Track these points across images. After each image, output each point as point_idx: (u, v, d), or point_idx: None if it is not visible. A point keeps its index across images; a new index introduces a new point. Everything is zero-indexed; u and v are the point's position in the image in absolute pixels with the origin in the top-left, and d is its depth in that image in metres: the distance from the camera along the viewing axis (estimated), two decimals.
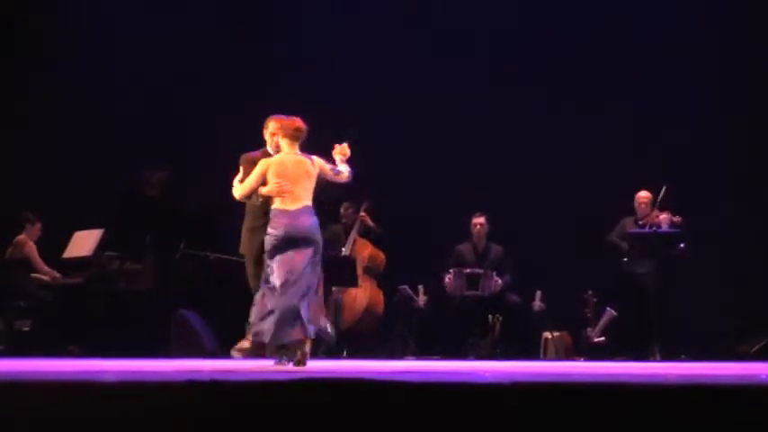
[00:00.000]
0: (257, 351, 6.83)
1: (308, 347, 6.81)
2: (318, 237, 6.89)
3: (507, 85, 11.12)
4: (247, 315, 6.83)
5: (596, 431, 3.70)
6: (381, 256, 10.40)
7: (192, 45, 11.15)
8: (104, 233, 10.01)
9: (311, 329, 6.79)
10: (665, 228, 9.86)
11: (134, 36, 11.23)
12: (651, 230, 9.86)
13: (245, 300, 7.00)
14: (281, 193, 6.77)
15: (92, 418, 3.70)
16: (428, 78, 11.21)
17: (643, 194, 10.17)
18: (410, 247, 10.44)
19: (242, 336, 6.86)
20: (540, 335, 10.34)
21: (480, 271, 10.24)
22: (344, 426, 3.69)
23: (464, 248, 10.52)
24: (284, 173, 6.80)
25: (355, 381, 3.99)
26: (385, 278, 10.45)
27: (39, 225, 10.07)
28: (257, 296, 6.81)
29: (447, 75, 11.25)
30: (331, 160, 7.08)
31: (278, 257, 6.73)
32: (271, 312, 6.65)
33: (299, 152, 6.90)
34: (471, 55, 11.39)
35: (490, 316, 10.24)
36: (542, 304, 10.36)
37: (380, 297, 10.40)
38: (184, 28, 11.18)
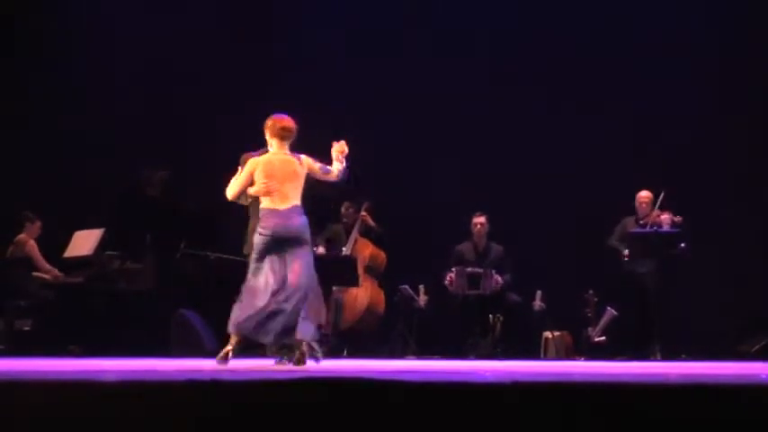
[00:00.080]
0: (241, 346, 6.80)
1: (305, 347, 6.80)
2: (308, 236, 6.88)
3: (507, 85, 11.12)
4: None
5: (597, 431, 3.70)
6: (382, 255, 10.41)
7: (192, 45, 11.15)
8: (105, 233, 10.02)
9: (313, 329, 6.79)
10: (666, 227, 9.86)
11: (134, 36, 11.23)
12: (652, 230, 9.86)
13: None
14: (268, 193, 6.77)
15: (92, 417, 3.70)
16: (428, 78, 11.21)
17: (644, 194, 10.16)
18: (411, 247, 10.44)
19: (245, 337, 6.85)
20: (541, 334, 10.34)
21: (481, 270, 10.24)
22: (345, 425, 3.69)
23: (464, 248, 10.52)
24: (272, 172, 6.80)
25: (356, 380, 3.99)
26: (386, 278, 10.45)
27: (39, 223, 10.07)
28: (242, 292, 6.80)
29: (447, 75, 11.25)
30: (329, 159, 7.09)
31: (269, 258, 6.71)
32: (274, 313, 6.64)
33: (287, 151, 6.90)
34: (471, 55, 11.39)
35: (491, 316, 10.23)
36: (543, 304, 10.36)
37: (381, 297, 10.41)
38: (184, 28, 11.18)
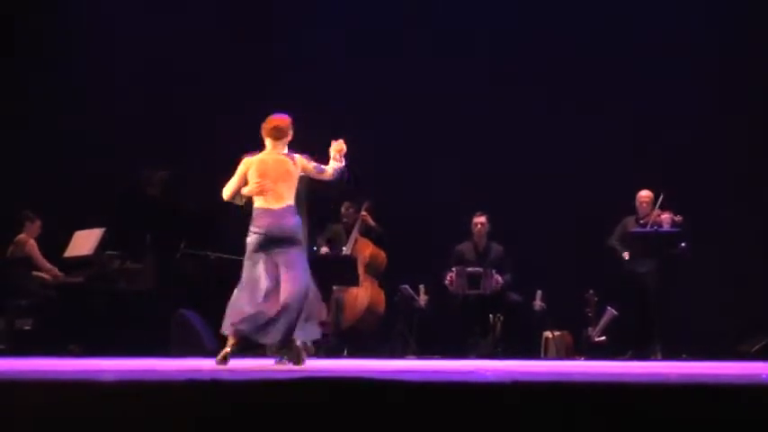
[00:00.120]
0: (239, 346, 6.80)
1: (305, 346, 6.81)
2: (301, 236, 6.88)
3: (507, 85, 11.12)
4: None
5: (597, 430, 3.70)
6: (382, 255, 10.41)
7: (192, 45, 11.15)
8: (105, 232, 10.02)
9: (314, 329, 6.81)
10: (666, 227, 9.85)
11: (134, 36, 11.23)
12: (652, 230, 9.86)
13: None
14: (262, 192, 6.77)
15: (92, 417, 3.70)
16: (428, 78, 11.20)
17: (644, 194, 10.15)
18: (411, 247, 10.44)
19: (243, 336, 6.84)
20: (541, 334, 10.34)
21: (481, 270, 10.24)
22: (345, 425, 3.69)
23: (465, 248, 10.52)
24: (265, 172, 6.80)
25: (356, 380, 3.98)
26: (386, 277, 10.45)
27: (39, 223, 10.07)
28: (236, 293, 6.80)
29: (447, 75, 11.25)
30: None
31: (262, 258, 6.71)
32: (276, 316, 6.64)
33: (281, 151, 6.90)
34: (471, 55, 11.39)
35: (491, 315, 10.23)
36: (543, 304, 10.36)
37: (381, 296, 10.41)
38: (184, 28, 11.18)
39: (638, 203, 10.20)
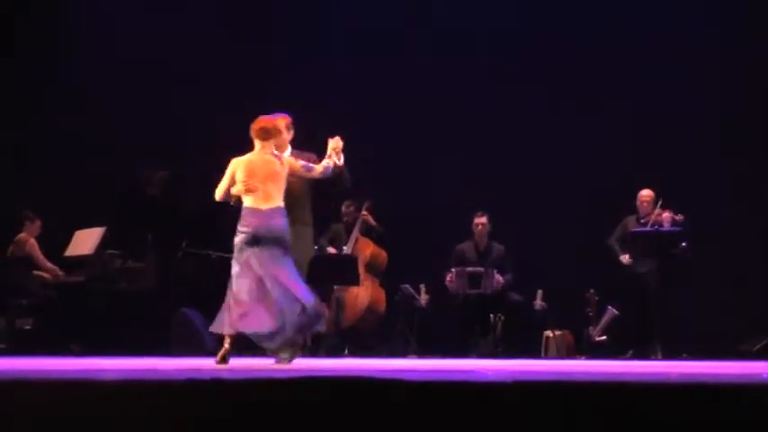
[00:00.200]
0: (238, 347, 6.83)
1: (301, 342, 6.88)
2: (288, 238, 6.85)
3: (507, 85, 11.13)
4: None
5: (598, 430, 3.70)
6: (383, 254, 10.41)
7: (192, 45, 11.16)
8: (106, 232, 10.02)
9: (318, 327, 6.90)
10: (667, 226, 9.85)
11: (134, 36, 11.23)
12: (653, 229, 9.86)
13: None
14: (250, 192, 6.77)
15: (93, 416, 3.70)
16: (428, 78, 11.21)
17: (645, 193, 10.15)
18: (411, 247, 10.45)
19: (242, 336, 6.85)
20: (542, 334, 10.35)
21: (482, 270, 10.25)
22: (345, 424, 3.69)
23: (465, 247, 10.53)
24: (253, 171, 6.81)
25: (356, 379, 3.98)
26: (386, 277, 10.46)
27: (39, 222, 10.09)
28: (230, 296, 6.80)
29: (447, 75, 11.25)
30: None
31: (251, 258, 6.70)
32: (277, 319, 6.66)
33: (269, 151, 6.90)
34: (471, 55, 11.40)
35: (492, 315, 10.24)
36: (544, 303, 10.37)
37: (382, 296, 10.42)
38: (184, 28, 11.18)
39: (638, 203, 10.20)
